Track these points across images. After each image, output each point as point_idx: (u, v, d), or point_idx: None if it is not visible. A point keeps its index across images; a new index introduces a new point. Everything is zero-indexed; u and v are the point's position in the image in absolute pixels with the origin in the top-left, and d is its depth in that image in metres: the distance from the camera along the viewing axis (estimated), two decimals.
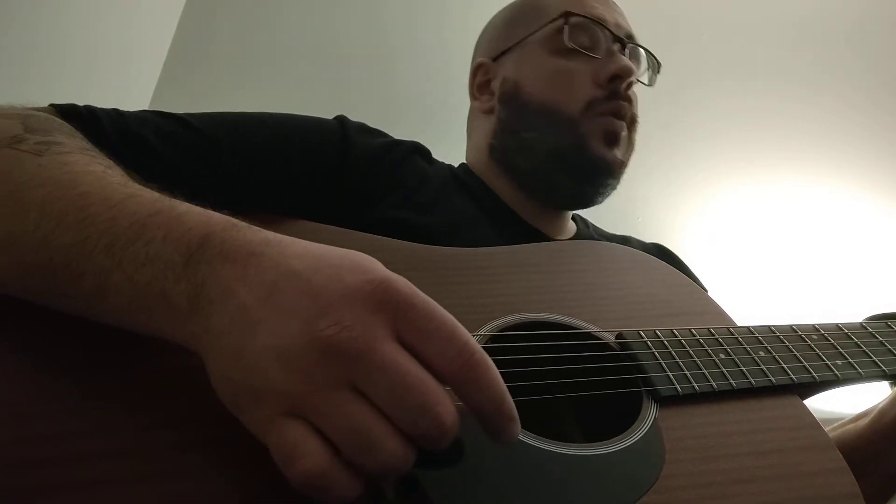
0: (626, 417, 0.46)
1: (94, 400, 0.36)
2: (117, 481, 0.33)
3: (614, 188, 0.77)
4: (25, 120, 0.47)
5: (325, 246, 0.36)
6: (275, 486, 0.34)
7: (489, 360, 0.33)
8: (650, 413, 0.46)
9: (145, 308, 0.35)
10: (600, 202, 0.78)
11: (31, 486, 0.32)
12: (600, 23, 0.75)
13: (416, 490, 0.36)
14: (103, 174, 0.42)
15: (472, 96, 0.85)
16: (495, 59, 0.83)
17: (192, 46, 1.84)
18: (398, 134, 0.78)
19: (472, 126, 0.87)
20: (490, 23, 0.89)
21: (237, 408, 0.32)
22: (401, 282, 0.33)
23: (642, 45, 0.80)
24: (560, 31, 0.75)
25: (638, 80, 0.80)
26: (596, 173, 0.74)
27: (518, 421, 0.34)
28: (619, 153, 0.74)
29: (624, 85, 0.73)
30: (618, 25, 0.77)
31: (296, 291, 0.32)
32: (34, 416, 0.35)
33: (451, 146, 0.92)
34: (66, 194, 0.39)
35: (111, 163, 0.45)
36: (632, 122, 0.77)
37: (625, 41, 0.76)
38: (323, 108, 0.77)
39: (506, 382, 0.44)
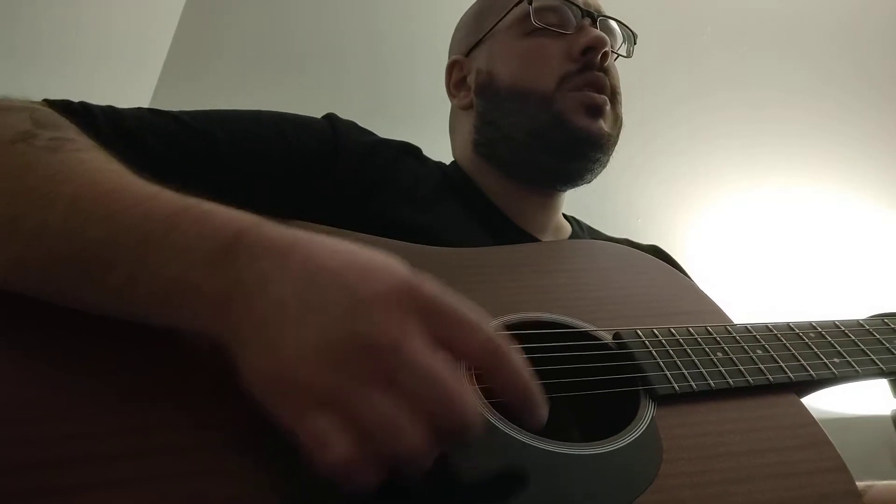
0: (623, 417, 0.46)
1: (99, 401, 0.36)
2: (121, 482, 0.33)
3: (604, 164, 0.76)
4: (33, 114, 0.47)
5: (351, 245, 0.37)
6: (272, 485, 0.34)
7: (511, 349, 0.35)
8: (648, 412, 0.46)
9: (177, 301, 0.36)
10: (590, 179, 0.77)
11: (33, 488, 0.32)
12: (568, 1, 0.74)
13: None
14: (122, 172, 0.42)
15: (450, 94, 0.85)
16: (467, 54, 0.82)
17: (192, 46, 1.84)
18: (396, 131, 0.78)
19: (454, 126, 0.87)
20: (460, 21, 0.88)
21: (269, 399, 0.33)
22: (427, 283, 0.35)
23: (614, 17, 0.79)
24: (526, 13, 0.74)
25: (615, 53, 0.79)
26: (581, 147, 0.71)
27: (543, 404, 0.36)
28: (605, 125, 0.72)
29: (599, 56, 0.72)
30: (586, 3, 0.76)
31: (331, 288, 0.33)
32: (38, 419, 0.35)
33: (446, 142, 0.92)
34: (93, 190, 0.40)
35: (122, 162, 0.45)
36: (613, 95, 0.75)
37: (595, 15, 0.75)
38: (322, 107, 0.77)
39: None
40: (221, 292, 0.35)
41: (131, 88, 1.70)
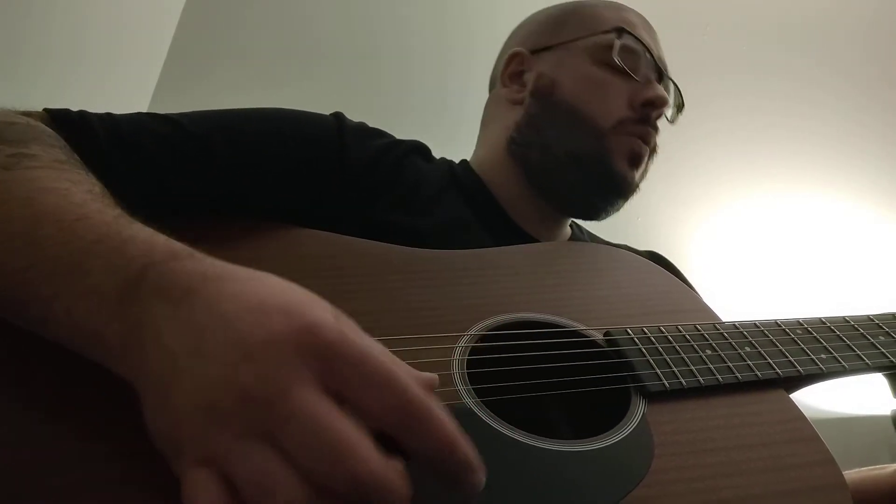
0: (615, 414, 0.47)
1: (82, 404, 0.37)
2: (104, 485, 0.34)
3: (619, 209, 0.79)
4: (3, 130, 0.47)
5: (270, 284, 0.34)
6: None
7: (432, 405, 0.31)
8: (639, 409, 0.47)
9: (82, 344, 0.36)
10: (603, 218, 0.80)
11: (15, 492, 0.33)
12: (647, 48, 0.76)
13: None
14: (66, 192, 0.42)
15: (502, 83, 0.84)
16: (534, 52, 0.82)
17: (192, 46, 1.84)
18: (400, 133, 0.78)
19: (492, 114, 0.87)
20: (532, 17, 0.88)
21: (165, 454, 0.32)
22: (330, 326, 0.31)
23: (675, 81, 0.82)
24: (609, 44, 0.76)
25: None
26: (611, 189, 0.75)
27: (478, 469, 0.31)
28: (637, 176, 0.76)
29: (655, 113, 0.75)
30: (660, 57, 0.79)
31: (221, 338, 0.31)
32: (20, 421, 0.36)
33: (457, 144, 0.92)
34: (22, 214, 0.39)
35: (83, 177, 0.45)
36: (652, 151, 0.78)
37: (663, 73, 0.78)
38: (324, 109, 0.77)
39: (496, 382, 0.45)
40: (121, 338, 0.34)
41: (131, 89, 1.71)
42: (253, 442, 0.29)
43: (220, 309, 0.32)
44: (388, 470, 0.29)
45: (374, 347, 0.31)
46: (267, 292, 0.33)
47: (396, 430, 0.30)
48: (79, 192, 0.42)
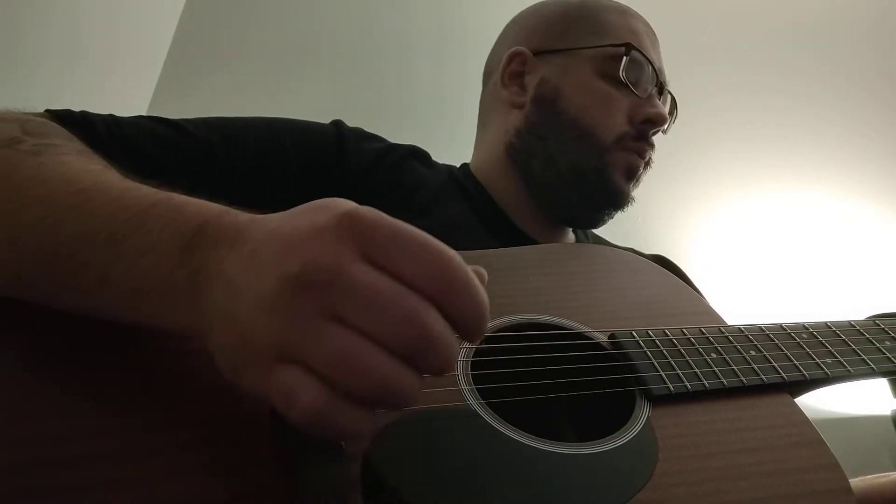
0: (619, 417, 0.47)
1: (91, 401, 0.37)
2: (112, 483, 0.34)
3: (612, 218, 0.80)
4: (24, 124, 0.48)
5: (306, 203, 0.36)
6: (266, 486, 0.35)
7: (467, 270, 0.32)
8: (643, 412, 0.47)
9: (147, 297, 0.36)
10: (598, 227, 0.82)
11: (27, 487, 0.33)
12: (652, 64, 0.76)
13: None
14: (101, 172, 0.43)
15: (502, 83, 0.82)
16: (537, 54, 0.80)
17: (192, 46, 1.84)
18: (400, 135, 0.78)
19: (490, 113, 0.85)
20: (535, 12, 0.85)
21: (238, 374, 0.33)
22: (365, 209, 0.33)
23: (673, 93, 0.83)
24: (617, 58, 0.75)
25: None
26: (608, 202, 0.77)
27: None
28: (631, 188, 0.77)
29: (653, 130, 0.76)
30: (661, 70, 0.79)
31: (271, 247, 0.33)
32: (31, 417, 0.35)
33: (457, 147, 0.92)
34: (66, 190, 0.40)
35: (108, 164, 0.46)
36: (646, 164, 0.79)
37: (664, 87, 0.79)
38: (325, 110, 0.77)
39: (500, 382, 0.45)
40: (186, 284, 0.35)
41: (130, 90, 1.71)
42: (323, 324, 0.30)
43: (269, 228, 0.34)
44: (447, 326, 0.31)
45: (404, 223, 0.33)
46: (308, 203, 0.35)
47: (436, 291, 0.31)
48: (113, 173, 0.43)
